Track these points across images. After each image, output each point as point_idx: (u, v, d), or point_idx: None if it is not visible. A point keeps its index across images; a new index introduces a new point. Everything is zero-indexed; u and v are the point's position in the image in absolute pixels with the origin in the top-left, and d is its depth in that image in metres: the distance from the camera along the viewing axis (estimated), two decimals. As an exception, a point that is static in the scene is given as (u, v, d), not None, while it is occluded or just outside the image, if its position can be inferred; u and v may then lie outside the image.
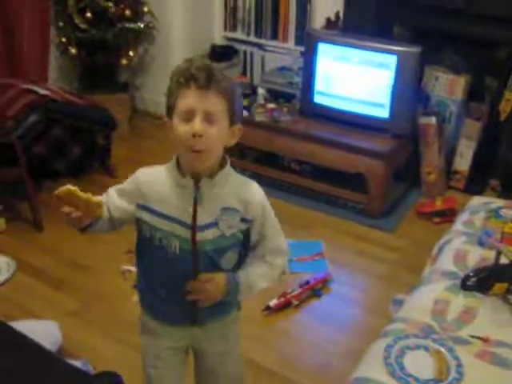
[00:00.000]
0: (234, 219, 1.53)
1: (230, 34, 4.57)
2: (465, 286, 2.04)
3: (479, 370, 1.70)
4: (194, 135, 1.42)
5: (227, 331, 1.73)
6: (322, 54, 3.57)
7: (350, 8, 3.88)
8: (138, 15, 4.23)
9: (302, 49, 3.97)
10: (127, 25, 4.15)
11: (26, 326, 2.16)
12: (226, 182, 1.54)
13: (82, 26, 4.02)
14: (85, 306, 2.73)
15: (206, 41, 4.53)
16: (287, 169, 3.83)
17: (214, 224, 1.51)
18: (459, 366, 1.70)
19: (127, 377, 2.03)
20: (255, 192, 1.57)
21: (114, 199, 1.59)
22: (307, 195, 3.67)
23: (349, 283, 2.96)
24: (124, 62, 4.32)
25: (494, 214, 2.50)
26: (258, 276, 1.60)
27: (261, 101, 3.88)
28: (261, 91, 3.94)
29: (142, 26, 4.25)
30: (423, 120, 3.63)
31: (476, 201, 2.72)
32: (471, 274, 2.05)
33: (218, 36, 4.62)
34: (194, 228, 1.51)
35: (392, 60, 3.35)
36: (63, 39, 4.15)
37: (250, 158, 3.94)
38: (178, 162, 1.53)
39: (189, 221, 1.51)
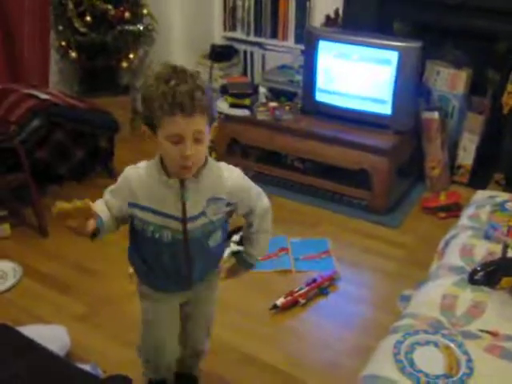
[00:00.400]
0: (219, 207, 1.66)
1: (230, 34, 4.57)
2: (472, 280, 2.03)
3: (489, 365, 1.69)
4: (185, 158, 1.51)
5: (211, 284, 1.94)
6: (322, 51, 3.56)
7: (349, 5, 3.88)
8: (137, 17, 4.23)
9: (302, 47, 3.98)
10: (127, 27, 4.15)
11: (34, 331, 2.15)
12: (209, 174, 1.64)
13: (82, 29, 4.02)
14: (92, 310, 2.73)
15: (205, 41, 4.53)
16: (290, 167, 3.83)
17: (202, 214, 1.64)
18: (469, 360, 1.69)
19: (137, 380, 2.03)
20: (234, 177, 1.70)
21: (109, 199, 1.68)
22: (311, 193, 3.67)
23: (356, 280, 2.95)
24: (124, 64, 4.32)
25: (500, 207, 2.49)
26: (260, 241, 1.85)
27: (262, 100, 3.87)
28: (262, 90, 3.94)
29: (141, 28, 4.24)
30: (426, 115, 3.63)
31: (481, 195, 2.71)
32: (478, 269, 2.05)
33: (218, 36, 4.63)
34: (184, 221, 1.62)
35: (393, 56, 3.34)
36: (63, 43, 4.15)
37: (253, 157, 3.94)
38: (161, 162, 1.61)
39: (179, 215, 1.61)
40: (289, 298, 2.72)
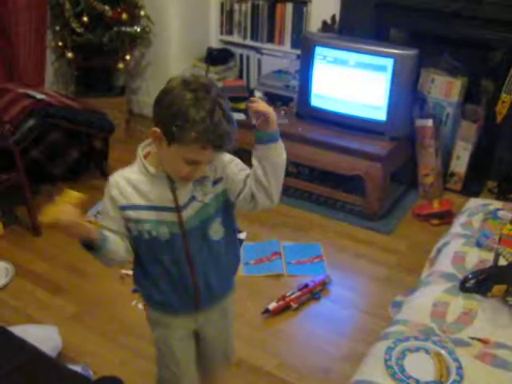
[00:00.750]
0: (206, 186, 1.60)
1: (227, 38, 4.58)
2: (464, 287, 2.05)
3: (479, 372, 1.70)
4: (191, 177, 1.52)
5: (226, 312, 1.84)
6: (318, 57, 3.57)
7: (346, 11, 3.89)
8: (134, 19, 4.23)
9: (299, 52, 3.99)
10: (124, 28, 4.14)
11: (26, 331, 2.16)
12: None
13: (79, 29, 4.01)
14: (84, 311, 2.72)
15: (202, 44, 4.54)
16: (285, 172, 3.82)
17: (193, 198, 1.59)
18: (459, 367, 1.71)
19: (128, 381, 2.02)
20: None
21: (102, 221, 1.62)
22: (305, 198, 3.67)
23: (348, 286, 2.96)
24: (120, 65, 4.32)
25: (492, 215, 2.51)
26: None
27: (258, 104, 3.87)
28: (258, 94, 3.95)
29: (138, 29, 4.24)
30: (420, 122, 3.64)
31: (473, 203, 2.73)
32: (470, 276, 2.06)
33: (215, 39, 4.64)
34: (178, 209, 1.58)
35: (389, 63, 3.36)
36: (60, 43, 4.14)
37: (248, 161, 3.93)
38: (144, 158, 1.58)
39: (172, 204, 1.57)
40: (281, 302, 2.73)
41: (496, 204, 2.66)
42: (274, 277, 2.98)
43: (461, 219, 2.58)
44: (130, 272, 2.84)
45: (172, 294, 1.68)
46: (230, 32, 4.56)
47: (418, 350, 1.78)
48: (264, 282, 2.93)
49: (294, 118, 3.80)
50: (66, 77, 4.51)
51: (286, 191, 3.70)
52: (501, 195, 3.58)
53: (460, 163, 3.75)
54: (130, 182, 1.57)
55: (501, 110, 3.41)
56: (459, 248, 2.32)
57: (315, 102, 3.68)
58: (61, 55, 4.24)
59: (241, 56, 4.56)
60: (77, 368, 2.12)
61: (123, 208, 1.57)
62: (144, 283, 1.72)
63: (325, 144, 3.54)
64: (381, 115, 3.49)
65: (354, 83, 3.54)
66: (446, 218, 3.37)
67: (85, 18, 3.99)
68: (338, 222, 3.48)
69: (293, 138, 3.64)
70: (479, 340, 1.82)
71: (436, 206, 3.49)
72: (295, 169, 3.81)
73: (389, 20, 3.77)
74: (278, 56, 4.34)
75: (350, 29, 3.82)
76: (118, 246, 1.59)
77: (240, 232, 3.22)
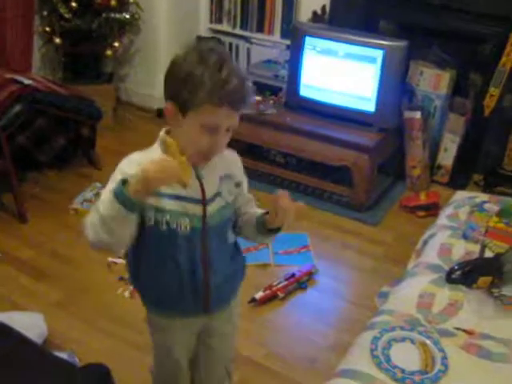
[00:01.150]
0: (231, 185, 1.58)
1: (216, 26, 4.56)
2: (450, 279, 2.06)
3: (464, 362, 1.72)
4: (214, 149, 1.45)
5: (230, 315, 1.79)
6: (308, 47, 3.57)
7: (336, 2, 3.90)
8: (123, 5, 4.19)
9: (288, 42, 3.98)
10: (112, 15, 4.11)
11: (11, 318, 2.14)
12: None
13: (67, 15, 3.97)
14: (70, 298, 2.71)
15: (191, 33, 4.51)
16: (272, 161, 3.83)
17: (218, 194, 1.54)
18: (444, 357, 1.72)
19: (114, 368, 2.02)
20: (235, 154, 1.66)
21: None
22: (292, 188, 3.67)
23: (334, 276, 2.97)
24: (109, 52, 4.28)
25: (478, 208, 2.53)
26: None
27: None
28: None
29: (127, 16, 4.21)
30: (408, 114, 3.65)
31: (460, 195, 2.75)
32: (456, 268, 2.08)
33: (204, 28, 4.62)
34: (204, 202, 1.51)
35: (378, 54, 3.36)
36: (47, 29, 4.10)
37: (236, 150, 3.92)
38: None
39: (199, 196, 1.50)
40: (267, 291, 2.73)
41: (482, 197, 2.67)
42: (261, 266, 2.98)
43: (447, 211, 2.59)
44: (118, 260, 2.86)
45: (179, 295, 1.59)
46: (220, 21, 4.54)
47: (403, 340, 1.79)
48: (251, 272, 2.88)
49: (282, 107, 3.80)
50: (54, 63, 4.46)
51: (274, 181, 3.71)
52: (487, 188, 3.61)
53: (447, 156, 3.77)
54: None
55: (489, 103, 3.43)
56: (445, 240, 2.33)
57: (304, 92, 3.68)
58: (48, 41, 4.19)
59: (230, 45, 4.54)
60: (63, 355, 2.11)
61: None
62: (146, 284, 1.63)
63: (313, 134, 3.55)
64: (369, 106, 3.49)
65: (343, 74, 3.54)
66: (432, 210, 3.39)
67: (73, 4, 3.95)
68: (325, 212, 3.49)
69: (281, 128, 3.64)
70: (464, 331, 1.83)
71: (423, 198, 3.51)
72: (283, 159, 3.81)
73: (378, 11, 3.78)
74: (268, 46, 4.33)
75: (340, 20, 3.82)
76: (132, 226, 1.44)
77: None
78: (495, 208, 2.49)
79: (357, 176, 3.44)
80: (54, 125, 3.64)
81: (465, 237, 2.32)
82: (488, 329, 1.84)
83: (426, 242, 2.43)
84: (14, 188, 3.20)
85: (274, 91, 3.92)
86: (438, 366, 1.69)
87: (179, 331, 1.71)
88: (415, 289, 2.05)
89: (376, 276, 2.94)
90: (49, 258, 2.98)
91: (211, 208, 1.52)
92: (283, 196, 1.56)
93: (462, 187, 3.50)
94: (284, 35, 4.20)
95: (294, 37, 3.68)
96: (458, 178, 3.77)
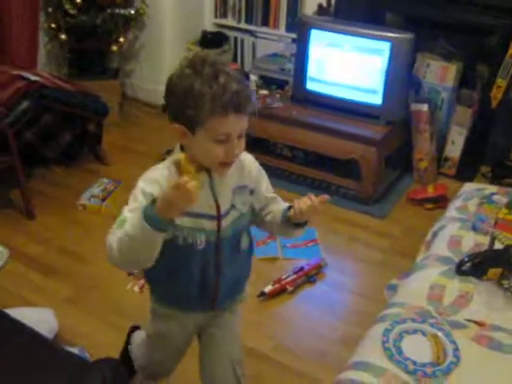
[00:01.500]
0: (245, 195, 1.59)
1: (221, 21, 4.55)
2: (460, 270, 2.06)
3: (476, 354, 1.72)
4: (231, 156, 1.45)
5: (235, 308, 1.83)
6: (314, 40, 3.55)
7: (341, -6, 3.88)
8: (128, 1, 4.20)
9: (293, 35, 3.97)
10: (117, 10, 4.11)
11: (22, 314, 2.15)
12: None
13: (72, 11, 3.97)
14: (79, 294, 2.72)
15: (196, 27, 4.51)
16: (279, 155, 3.83)
17: (232, 207, 1.56)
18: (456, 349, 1.72)
19: (125, 363, 2.03)
20: (250, 159, 1.64)
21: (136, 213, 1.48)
22: (299, 182, 3.67)
23: (342, 269, 2.97)
24: (114, 48, 4.28)
25: (487, 199, 2.52)
26: None
27: (253, 87, 3.87)
28: (253, 78, 3.93)
29: (132, 11, 4.20)
30: (415, 107, 3.64)
31: (468, 187, 2.74)
32: (466, 259, 2.08)
33: (209, 23, 4.61)
34: (219, 218, 1.54)
35: (385, 47, 3.34)
36: (52, 25, 4.10)
37: (259, 150, 3.93)
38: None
39: (213, 212, 1.53)
40: (276, 285, 2.73)
41: (491, 188, 2.67)
42: (270, 260, 2.98)
43: (456, 203, 2.58)
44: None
45: (190, 296, 1.64)
46: (225, 15, 4.53)
47: (415, 332, 1.79)
48: (260, 265, 2.93)
49: (289, 101, 3.79)
50: (59, 59, 4.47)
51: (281, 175, 3.71)
52: (494, 180, 3.60)
53: (454, 148, 3.76)
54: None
55: (496, 94, 3.42)
56: (455, 232, 2.32)
57: (310, 85, 3.67)
58: (54, 37, 4.20)
59: (235, 39, 4.54)
60: (74, 350, 2.12)
61: None
62: (157, 285, 1.70)
63: (320, 127, 3.54)
64: (376, 99, 3.48)
65: (349, 67, 3.53)
66: (440, 202, 3.38)
67: (78, 0, 3.95)
68: (333, 205, 3.48)
69: (288, 122, 3.64)
70: (475, 322, 1.83)
71: (430, 191, 3.50)
72: (290, 152, 3.81)
73: (384, 4, 3.76)
74: (273, 39, 4.31)
75: (346, 12, 3.81)
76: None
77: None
78: (504, 200, 2.48)
79: (364, 169, 3.44)
80: (61, 121, 3.64)
81: (474, 229, 2.32)
82: (499, 320, 1.84)
83: (435, 234, 2.43)
84: (21, 184, 3.20)
85: (281, 85, 3.91)
86: (450, 358, 1.69)
87: (183, 321, 1.75)
88: (425, 281, 2.05)
89: (384, 269, 2.94)
90: (57, 254, 2.99)
91: (225, 222, 1.56)
92: (303, 200, 1.59)
93: (470, 179, 3.49)
94: (289, 29, 4.18)
95: (300, 30, 3.66)
96: (466, 171, 3.75)
